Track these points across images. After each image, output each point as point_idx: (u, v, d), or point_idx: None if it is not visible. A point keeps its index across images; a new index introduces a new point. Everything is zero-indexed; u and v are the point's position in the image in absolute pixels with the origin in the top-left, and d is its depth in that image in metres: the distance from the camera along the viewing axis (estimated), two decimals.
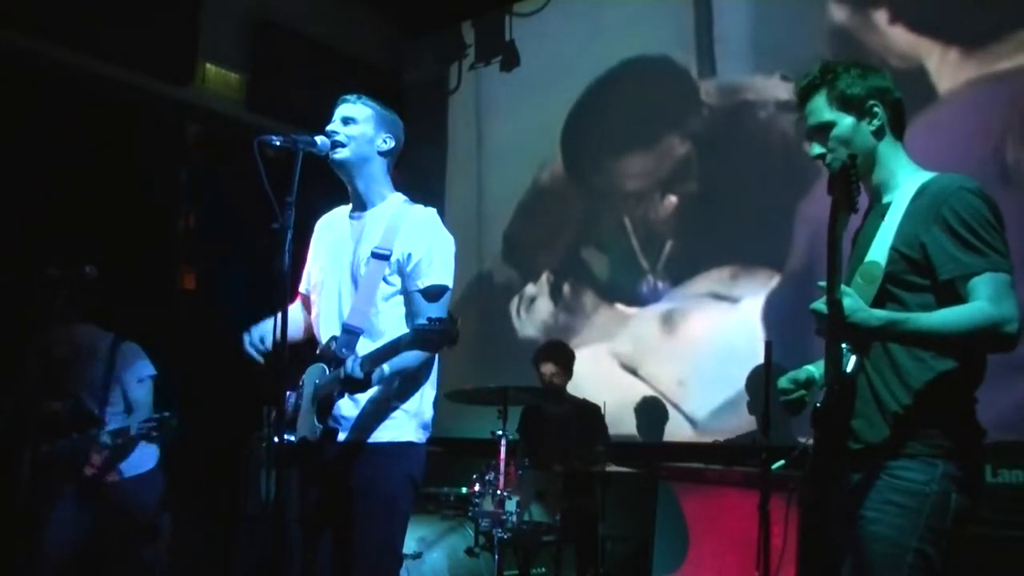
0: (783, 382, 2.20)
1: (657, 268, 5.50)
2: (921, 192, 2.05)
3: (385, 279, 2.65)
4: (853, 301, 1.90)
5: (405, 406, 2.67)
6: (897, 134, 2.17)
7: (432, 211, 2.77)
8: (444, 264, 2.67)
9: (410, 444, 2.67)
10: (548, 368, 4.97)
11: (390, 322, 2.64)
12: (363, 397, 2.64)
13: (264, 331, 2.65)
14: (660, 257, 5.50)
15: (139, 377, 3.97)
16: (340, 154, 2.67)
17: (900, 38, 4.63)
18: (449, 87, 6.77)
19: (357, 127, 2.70)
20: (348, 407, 2.64)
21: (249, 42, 5.91)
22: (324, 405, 2.60)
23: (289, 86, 5.84)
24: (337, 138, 2.67)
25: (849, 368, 2.00)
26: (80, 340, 3.96)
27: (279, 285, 2.40)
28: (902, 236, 2.02)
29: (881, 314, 1.93)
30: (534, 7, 6.28)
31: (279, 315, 2.36)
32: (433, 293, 2.62)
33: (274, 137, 2.52)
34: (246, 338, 2.69)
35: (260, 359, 2.65)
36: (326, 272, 2.76)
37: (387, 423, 2.64)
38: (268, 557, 2.44)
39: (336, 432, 2.63)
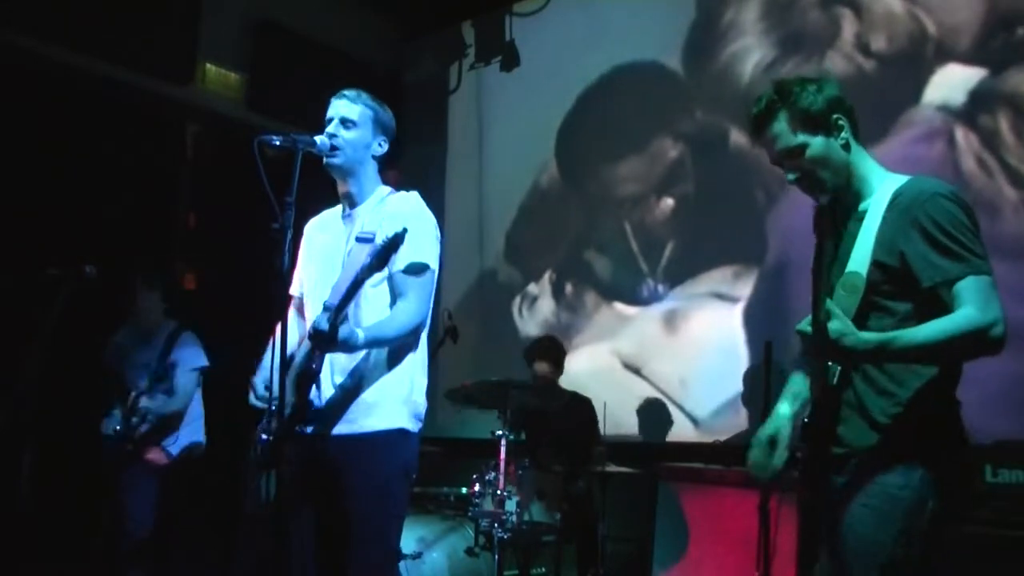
0: (756, 455, 2.25)
1: (657, 271, 5.50)
2: (896, 198, 2.04)
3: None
4: (841, 324, 1.88)
5: (394, 392, 2.65)
6: (858, 139, 2.16)
7: (414, 194, 2.79)
8: (425, 243, 2.68)
9: (402, 432, 2.64)
10: (543, 367, 4.98)
11: (373, 306, 2.64)
12: (348, 364, 2.62)
13: (266, 375, 2.60)
14: (660, 260, 5.50)
15: (191, 366, 4.25)
16: (338, 159, 2.70)
17: None
18: (449, 87, 6.77)
19: (356, 131, 2.72)
20: (328, 388, 2.62)
21: (249, 42, 5.91)
22: (303, 379, 2.58)
23: (289, 86, 5.84)
24: (336, 141, 2.69)
25: (835, 381, 2.02)
26: (143, 322, 4.32)
27: (279, 285, 2.40)
28: (881, 245, 2.01)
29: (871, 337, 1.91)
30: (534, 7, 6.28)
31: (278, 330, 2.38)
32: (415, 270, 2.63)
33: (274, 137, 2.53)
34: (251, 395, 2.65)
35: (266, 406, 2.61)
36: (320, 274, 2.76)
37: (376, 410, 2.62)
38: (268, 557, 2.45)
39: (311, 405, 2.60)
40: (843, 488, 2.02)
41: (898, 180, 2.09)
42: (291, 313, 2.89)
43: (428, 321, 2.75)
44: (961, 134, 4.40)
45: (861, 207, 2.12)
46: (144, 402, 4.10)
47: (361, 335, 2.48)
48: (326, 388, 2.63)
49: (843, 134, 2.11)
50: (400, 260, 2.61)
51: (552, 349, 5.07)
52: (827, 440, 2.03)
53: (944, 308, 1.94)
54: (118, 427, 4.12)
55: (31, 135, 4.78)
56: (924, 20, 4.64)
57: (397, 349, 2.68)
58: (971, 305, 1.90)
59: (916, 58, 4.61)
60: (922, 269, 1.96)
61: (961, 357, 2.00)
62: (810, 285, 2.26)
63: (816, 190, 2.15)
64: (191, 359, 4.32)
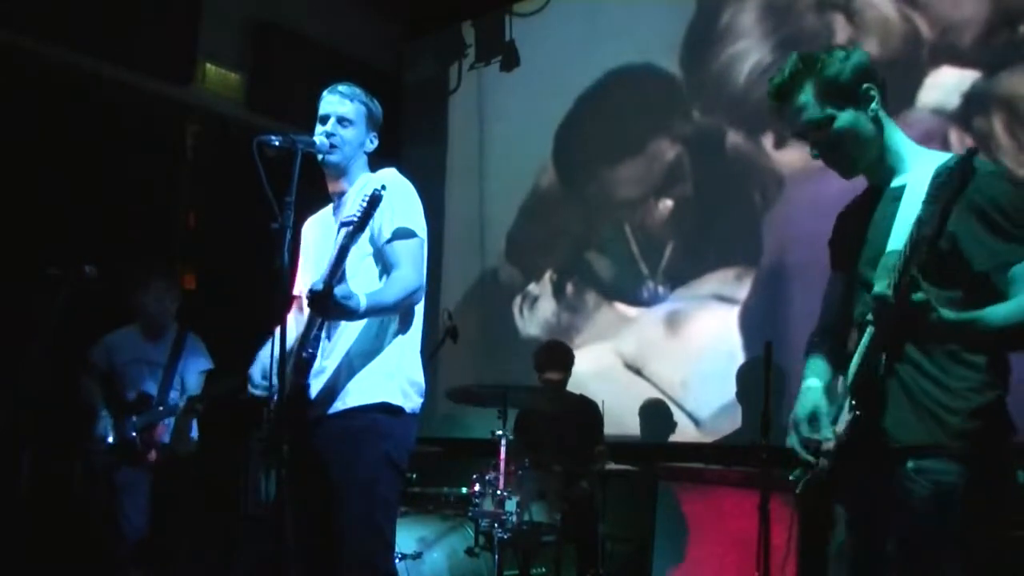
0: (797, 436, 2.03)
1: (657, 274, 5.50)
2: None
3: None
4: (926, 296, 1.73)
5: (378, 367, 2.66)
6: (887, 110, 2.05)
7: (392, 170, 2.82)
8: (408, 210, 2.69)
9: (386, 408, 2.64)
10: (554, 376, 4.97)
11: (363, 281, 2.64)
12: (339, 346, 2.63)
13: (264, 364, 2.64)
14: (660, 262, 5.49)
15: (199, 369, 4.37)
16: (335, 157, 2.74)
17: (787, 156, 4.96)
18: (449, 87, 6.77)
19: (352, 129, 2.77)
20: (319, 373, 2.64)
21: (249, 42, 5.90)
22: (299, 365, 2.58)
23: (289, 86, 5.83)
24: (335, 140, 2.73)
25: (881, 371, 1.92)
26: (156, 321, 4.39)
27: (279, 285, 2.41)
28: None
29: (953, 316, 1.76)
30: (534, 7, 6.28)
31: (278, 326, 2.38)
32: (401, 235, 2.65)
33: (274, 137, 2.55)
34: (250, 385, 2.68)
35: (266, 394, 2.62)
36: (316, 269, 2.76)
37: (359, 387, 2.62)
38: (268, 557, 2.45)
39: (307, 389, 2.61)
40: (900, 487, 1.90)
41: (937, 156, 1.97)
42: (292, 312, 2.90)
43: (423, 293, 2.73)
44: (955, 137, 4.40)
45: (896, 184, 2.02)
46: (160, 410, 4.19)
47: (363, 299, 2.47)
48: (318, 372, 2.65)
49: (873, 106, 2.01)
50: (385, 230, 2.63)
51: (562, 357, 5.05)
52: (871, 435, 1.92)
53: (993, 292, 1.85)
54: (110, 437, 4.15)
55: (31, 135, 4.78)
56: (917, 23, 4.65)
57: (387, 327, 2.69)
58: None
59: (910, 61, 4.62)
60: (976, 252, 1.86)
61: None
62: (804, 286, 2.24)
63: (843, 166, 2.05)
64: (199, 363, 4.42)
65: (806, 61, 2.01)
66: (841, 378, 2.04)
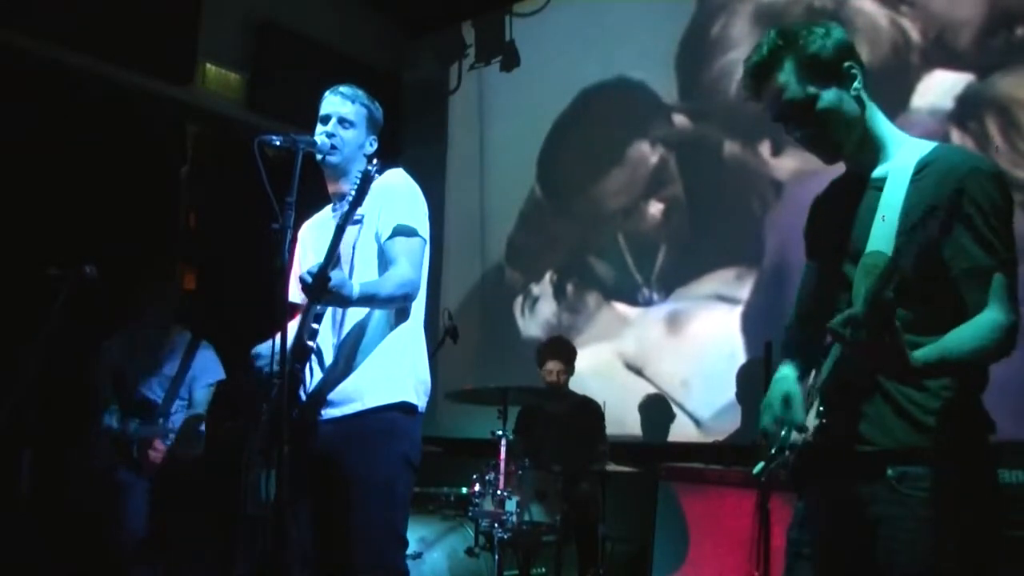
0: (769, 418, 1.93)
1: (651, 282, 5.51)
2: (924, 167, 1.81)
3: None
4: (902, 341, 1.63)
5: (394, 366, 2.66)
6: (870, 94, 1.92)
7: (398, 170, 2.81)
8: (411, 210, 2.69)
9: (405, 408, 2.64)
10: (554, 365, 4.97)
11: (362, 275, 2.63)
12: (342, 339, 2.61)
13: (265, 347, 2.63)
14: (653, 270, 5.50)
15: (209, 382, 4.31)
16: (336, 158, 2.74)
17: (785, 161, 5.04)
18: (449, 87, 6.77)
19: (353, 131, 2.78)
20: (323, 369, 2.63)
21: (249, 42, 5.90)
22: (297, 355, 2.57)
23: (289, 86, 5.82)
24: (335, 141, 2.73)
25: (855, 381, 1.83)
26: (160, 334, 4.34)
27: (279, 285, 2.40)
28: (909, 222, 1.73)
29: (919, 356, 1.66)
30: (534, 7, 6.28)
31: (279, 328, 2.38)
32: (402, 232, 2.65)
33: (274, 137, 2.55)
34: (255, 365, 2.68)
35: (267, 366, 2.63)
36: None
37: (378, 385, 2.62)
38: (268, 557, 2.45)
39: (304, 382, 2.60)
40: (875, 494, 1.79)
41: (921, 145, 1.87)
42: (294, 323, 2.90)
43: (423, 293, 2.74)
44: (956, 137, 4.40)
45: (877, 173, 1.90)
46: (175, 417, 4.18)
47: (356, 287, 2.47)
48: (321, 368, 2.65)
49: (856, 85, 1.87)
50: (387, 226, 2.62)
51: (563, 349, 5.07)
52: (843, 436, 1.82)
53: (951, 300, 1.76)
54: (115, 425, 4.12)
55: (31, 135, 4.77)
56: (908, 29, 4.65)
57: (389, 323, 2.68)
58: (995, 310, 1.73)
59: (901, 67, 4.62)
60: (951, 255, 1.75)
61: (988, 364, 1.82)
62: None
63: (826, 149, 1.92)
64: (211, 374, 4.37)
65: (786, 37, 1.87)
66: (813, 374, 1.96)
